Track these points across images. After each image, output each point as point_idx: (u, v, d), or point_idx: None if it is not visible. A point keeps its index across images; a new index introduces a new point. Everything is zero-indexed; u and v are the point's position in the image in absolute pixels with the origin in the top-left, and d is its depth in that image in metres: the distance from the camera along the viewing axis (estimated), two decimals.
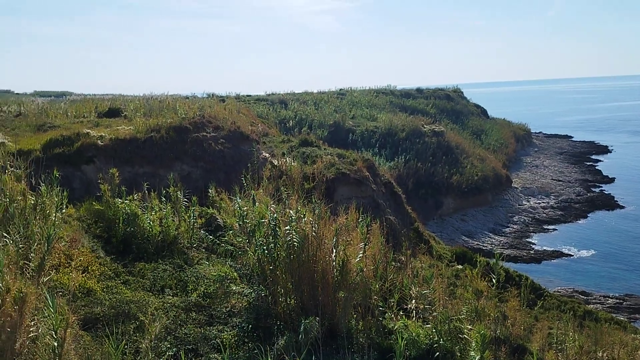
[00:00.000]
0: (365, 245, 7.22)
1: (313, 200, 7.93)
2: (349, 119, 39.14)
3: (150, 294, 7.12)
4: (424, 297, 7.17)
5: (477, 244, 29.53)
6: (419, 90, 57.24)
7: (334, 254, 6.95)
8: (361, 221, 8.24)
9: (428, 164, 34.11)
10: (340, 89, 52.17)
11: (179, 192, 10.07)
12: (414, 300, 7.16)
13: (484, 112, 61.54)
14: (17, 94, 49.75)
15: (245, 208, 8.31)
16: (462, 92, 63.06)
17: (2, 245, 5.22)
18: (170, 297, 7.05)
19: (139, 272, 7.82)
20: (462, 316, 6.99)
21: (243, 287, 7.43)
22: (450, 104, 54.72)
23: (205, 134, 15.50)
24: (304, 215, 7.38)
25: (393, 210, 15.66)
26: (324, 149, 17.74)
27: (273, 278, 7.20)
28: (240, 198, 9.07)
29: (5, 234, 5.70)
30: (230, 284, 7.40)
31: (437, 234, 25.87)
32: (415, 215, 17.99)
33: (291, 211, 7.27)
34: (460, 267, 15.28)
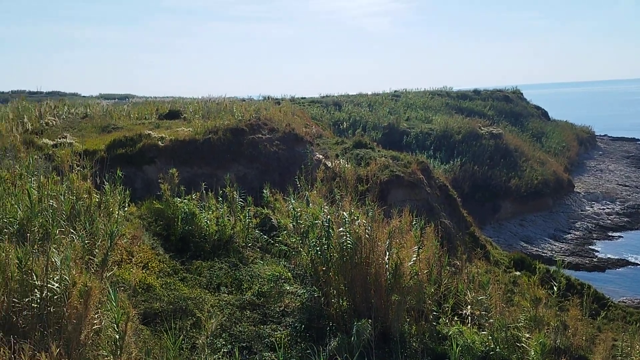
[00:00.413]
0: (419, 248, 7.12)
1: (367, 202, 7.90)
2: (403, 120, 38.72)
3: (207, 291, 7.29)
4: (480, 303, 6.99)
5: (536, 250, 28.51)
6: (476, 91, 55.92)
7: (387, 257, 6.90)
8: (415, 224, 8.14)
9: (485, 167, 33.23)
10: (395, 91, 51.70)
11: (235, 193, 10.27)
12: (469, 306, 6.99)
13: (544, 114, 59.38)
14: (83, 96, 52.11)
15: (299, 209, 8.38)
16: (521, 94, 61.07)
17: (69, 241, 5.49)
18: (226, 295, 7.20)
19: (196, 270, 8.02)
20: (520, 324, 6.78)
21: (296, 288, 7.49)
22: (509, 106, 53.12)
23: (260, 135, 15.76)
24: (358, 217, 7.36)
25: (448, 214, 15.37)
26: (378, 151, 17.64)
27: (326, 279, 7.22)
28: (294, 199, 9.16)
29: (72, 230, 6.00)
30: (284, 284, 7.48)
31: (494, 239, 25.18)
32: (471, 219, 17.59)
33: (345, 213, 7.27)
34: (518, 273, 14.81)
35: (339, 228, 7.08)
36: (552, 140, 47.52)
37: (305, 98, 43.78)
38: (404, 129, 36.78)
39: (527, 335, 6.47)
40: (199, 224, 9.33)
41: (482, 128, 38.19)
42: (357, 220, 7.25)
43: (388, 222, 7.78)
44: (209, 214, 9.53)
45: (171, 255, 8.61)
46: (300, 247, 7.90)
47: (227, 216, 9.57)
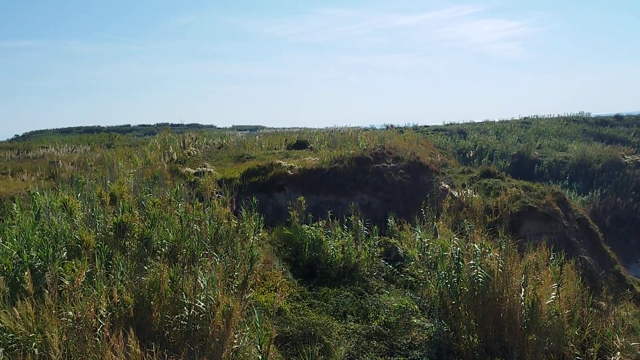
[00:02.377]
0: (559, 286, 6.64)
1: (500, 234, 7.56)
2: (534, 149, 36.64)
3: (334, 318, 7.39)
4: (632, 350, 6.31)
5: None
6: (617, 117, 51.43)
7: (522, 293, 6.52)
8: (553, 259, 7.61)
9: (630, 199, 30.19)
10: (525, 118, 49.25)
11: (359, 221, 10.39)
12: (618, 353, 6.34)
13: None
14: (219, 128, 56.24)
15: (427, 240, 8.24)
16: None
17: (212, 263, 5.91)
18: (352, 323, 7.24)
19: (322, 296, 8.18)
20: None
21: (424, 320, 7.33)
22: None
23: (385, 164, 15.81)
24: (489, 250, 7.07)
25: (588, 249, 14.13)
26: (508, 180, 16.83)
27: (455, 313, 6.99)
28: (420, 229, 9.04)
29: (214, 253, 6.46)
30: (411, 316, 7.35)
31: None
32: (615, 257, 16.01)
33: (475, 245, 7.02)
34: None
35: (470, 261, 6.85)
36: None
37: (428, 126, 43.30)
38: (535, 158, 34.78)
39: None
40: (325, 251, 9.55)
41: (626, 156, 34.89)
42: (489, 253, 6.96)
43: (522, 256, 7.38)
44: (334, 241, 9.72)
45: (299, 280, 8.88)
46: (428, 279, 7.75)
47: (352, 244, 9.69)
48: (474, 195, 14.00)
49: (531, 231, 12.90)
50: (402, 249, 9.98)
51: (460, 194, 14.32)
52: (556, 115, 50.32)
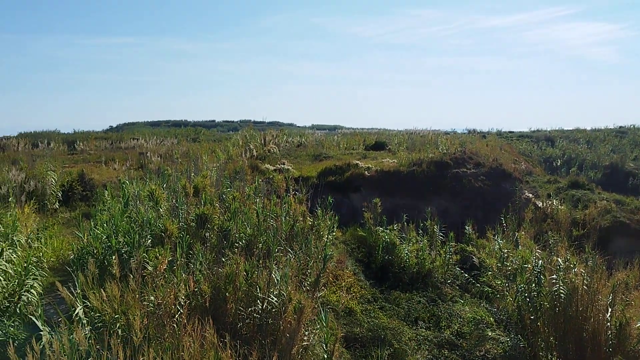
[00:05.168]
0: None
1: (586, 249, 7.12)
2: (629, 160, 34.19)
3: (404, 323, 7.28)
4: None
5: None
6: None
7: (609, 314, 6.10)
8: None
9: None
10: (620, 127, 46.09)
11: (435, 226, 10.18)
12: None
13: None
14: (298, 126, 57.12)
15: (506, 250, 7.92)
16: None
17: (287, 259, 6.01)
18: (423, 330, 7.10)
19: (394, 300, 8.08)
20: None
21: (499, 334, 7.05)
22: None
23: (465, 169, 15.40)
24: (574, 265, 6.68)
25: None
26: (598, 193, 15.85)
27: (533, 329, 6.66)
28: (500, 238, 8.70)
29: (289, 249, 6.57)
30: (486, 328, 7.10)
31: None
32: None
33: (559, 259, 6.66)
34: None
35: (552, 275, 6.50)
36: None
37: (513, 132, 41.65)
38: (630, 170, 32.45)
39: None
40: (399, 254, 9.44)
41: None
42: (574, 268, 6.57)
43: (610, 274, 6.91)
44: (409, 245, 9.59)
45: (371, 282, 8.84)
46: (506, 291, 7.44)
47: (427, 250, 9.51)
48: (559, 207, 13.30)
49: (622, 248, 12.07)
50: (480, 257, 9.66)
51: (544, 204, 13.66)
52: None
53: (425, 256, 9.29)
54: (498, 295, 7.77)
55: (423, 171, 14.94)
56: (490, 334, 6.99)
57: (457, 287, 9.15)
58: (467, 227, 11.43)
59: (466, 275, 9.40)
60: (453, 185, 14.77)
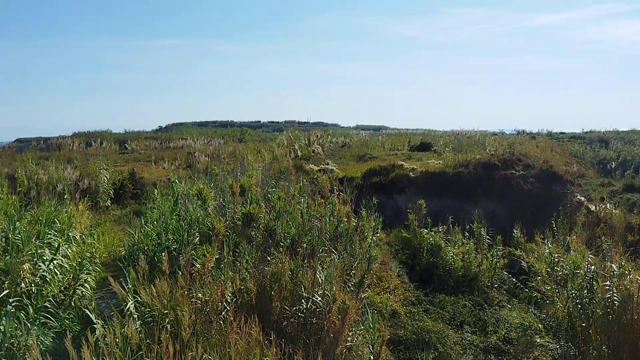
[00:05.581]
0: None
1: None
2: None
3: (449, 327, 7.18)
4: None
5: None
6: None
7: None
8: None
9: None
10: None
11: (482, 229, 9.98)
12: None
13: None
14: (342, 127, 57.15)
15: (557, 255, 7.68)
16: None
17: (331, 260, 6.03)
18: (469, 335, 6.98)
19: (439, 304, 7.98)
20: None
21: (548, 341, 6.85)
22: None
23: (513, 171, 15.01)
24: (629, 271, 6.41)
25: None
26: None
27: (584, 337, 6.43)
28: (550, 242, 8.46)
29: (333, 250, 6.59)
30: (534, 335, 6.91)
31: None
32: None
33: (613, 265, 6.41)
34: None
35: (605, 282, 6.27)
36: None
37: (564, 133, 40.38)
38: None
39: None
40: (444, 257, 9.32)
41: None
42: (629, 275, 6.31)
43: None
44: (454, 248, 9.45)
45: (415, 284, 8.76)
46: (556, 297, 7.22)
47: (473, 253, 9.34)
48: (614, 211, 12.79)
49: None
50: (528, 262, 9.41)
51: (597, 208, 13.17)
52: None
53: (471, 259, 9.12)
54: (547, 301, 7.56)
55: (470, 173, 14.67)
56: (539, 340, 6.80)
57: (505, 292, 8.94)
58: (515, 231, 11.15)
59: (514, 279, 9.18)
60: (501, 187, 14.43)
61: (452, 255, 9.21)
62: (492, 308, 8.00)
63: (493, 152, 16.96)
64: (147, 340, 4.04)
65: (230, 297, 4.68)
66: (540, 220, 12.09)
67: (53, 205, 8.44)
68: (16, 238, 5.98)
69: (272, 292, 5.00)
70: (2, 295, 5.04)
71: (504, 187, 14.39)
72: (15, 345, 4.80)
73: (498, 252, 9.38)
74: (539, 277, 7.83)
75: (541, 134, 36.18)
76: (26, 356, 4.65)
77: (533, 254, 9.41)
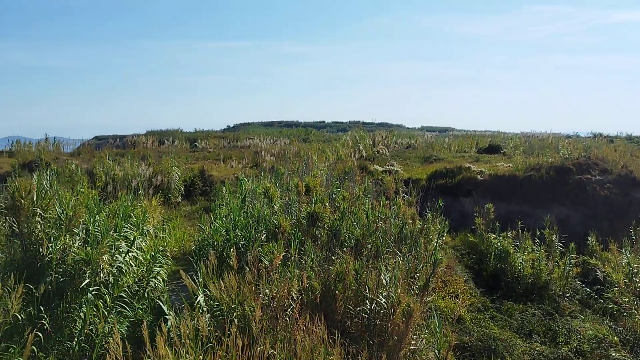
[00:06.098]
0: None
1: None
2: None
3: (517, 335, 6.95)
4: None
5: None
6: None
7: None
8: None
9: None
10: None
11: (554, 236, 9.58)
12: None
13: None
14: (407, 128, 56.41)
15: (636, 265, 7.27)
16: None
17: (395, 261, 5.99)
18: (538, 345, 6.73)
19: (506, 311, 7.75)
20: None
21: (625, 355, 6.49)
22: None
23: (589, 176, 14.29)
24: None
25: None
26: None
27: None
28: (629, 252, 8.01)
29: (397, 252, 6.54)
30: (610, 348, 6.57)
31: None
32: None
33: None
34: None
35: None
36: None
37: None
38: None
39: None
40: (513, 263, 9.04)
41: None
42: None
43: None
44: (524, 254, 9.14)
45: (482, 290, 8.54)
46: (634, 309, 6.83)
47: (544, 260, 8.99)
48: None
49: None
50: (604, 272, 8.95)
51: None
52: None
53: (542, 267, 8.78)
54: (625, 314, 7.17)
55: (541, 177, 14.11)
56: (614, 354, 6.45)
57: (577, 302, 8.56)
58: (590, 238, 10.63)
59: (588, 289, 8.77)
60: (575, 192, 13.78)
61: (521, 262, 8.92)
62: (564, 318, 7.67)
63: (567, 155, 16.24)
64: (216, 333, 4.18)
65: (296, 294, 4.76)
66: (617, 228, 11.46)
67: (129, 200, 8.87)
68: (96, 230, 6.33)
69: (337, 292, 5.03)
70: (84, 284, 5.36)
71: (579, 192, 13.74)
72: (94, 331, 5.10)
73: (571, 260, 8.98)
74: (616, 288, 7.43)
75: (620, 137, 34.15)
76: (103, 342, 4.92)
77: (609, 263, 8.93)
